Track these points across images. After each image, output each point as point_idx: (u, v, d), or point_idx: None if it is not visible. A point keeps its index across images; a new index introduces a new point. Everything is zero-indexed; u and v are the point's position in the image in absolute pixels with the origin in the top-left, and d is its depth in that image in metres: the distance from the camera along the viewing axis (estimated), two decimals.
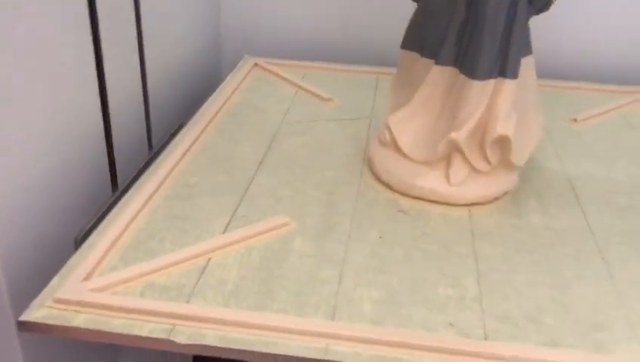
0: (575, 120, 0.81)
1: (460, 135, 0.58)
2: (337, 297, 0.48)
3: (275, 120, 0.78)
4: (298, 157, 0.69)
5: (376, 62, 0.97)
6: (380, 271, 0.51)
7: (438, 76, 0.60)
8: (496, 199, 0.62)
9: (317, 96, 0.85)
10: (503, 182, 0.62)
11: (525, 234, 0.57)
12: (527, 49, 0.62)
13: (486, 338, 0.44)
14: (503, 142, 0.59)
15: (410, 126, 0.63)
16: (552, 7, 0.60)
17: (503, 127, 0.57)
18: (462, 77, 0.58)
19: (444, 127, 0.60)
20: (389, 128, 0.64)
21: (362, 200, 0.61)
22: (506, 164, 0.61)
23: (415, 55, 0.63)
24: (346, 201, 0.61)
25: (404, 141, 0.63)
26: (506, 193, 0.63)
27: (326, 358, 0.42)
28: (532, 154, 0.67)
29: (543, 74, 0.95)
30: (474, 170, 0.60)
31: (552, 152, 0.73)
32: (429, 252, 0.54)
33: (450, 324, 0.45)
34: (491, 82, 0.57)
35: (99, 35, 0.59)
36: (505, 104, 0.58)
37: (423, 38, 0.62)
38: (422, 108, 0.62)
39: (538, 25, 0.64)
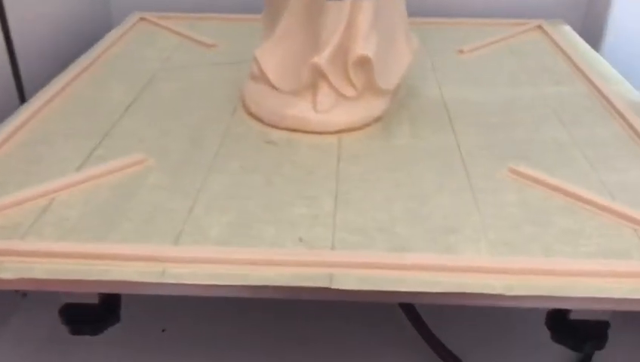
0: (461, 51, 0.81)
1: (322, 59, 0.56)
2: (185, 225, 0.46)
3: (151, 67, 0.75)
4: (170, 100, 0.67)
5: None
6: (235, 198, 0.49)
7: (299, 3, 0.58)
8: (367, 125, 0.61)
9: (201, 43, 0.83)
10: (372, 107, 0.60)
11: (391, 154, 0.56)
12: None
13: (332, 248, 0.43)
14: (365, 64, 0.57)
15: (276, 56, 0.61)
16: None
17: (363, 47, 0.56)
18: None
19: (309, 54, 0.58)
20: (256, 60, 0.62)
21: (230, 135, 0.59)
22: (373, 88, 0.60)
23: None
24: (212, 137, 0.59)
25: (272, 72, 0.61)
26: (378, 119, 0.62)
27: (163, 281, 0.40)
28: (405, 80, 0.67)
29: (431, 12, 0.97)
30: (341, 96, 0.59)
31: (433, 81, 0.72)
32: (291, 177, 0.52)
33: (300, 239, 0.44)
34: (348, 1, 0.56)
35: None
36: (364, 23, 0.56)
37: None
38: (286, 37, 0.60)
39: None
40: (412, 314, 0.58)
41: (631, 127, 0.59)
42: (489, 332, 0.63)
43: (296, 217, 0.47)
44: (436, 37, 0.86)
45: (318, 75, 0.58)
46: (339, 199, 0.49)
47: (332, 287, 0.39)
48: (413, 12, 0.96)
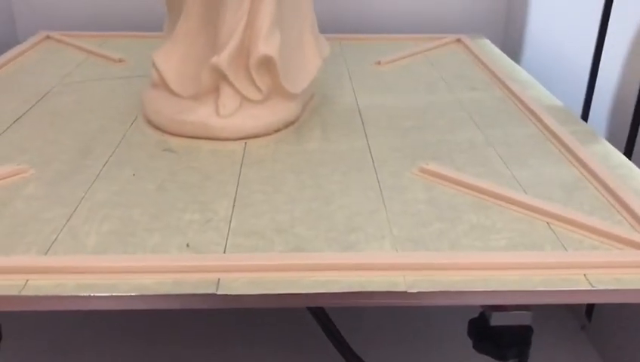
0: (379, 62, 0.79)
1: (221, 59, 0.53)
2: (60, 234, 0.41)
3: (48, 82, 0.69)
4: (64, 113, 0.61)
5: None
6: (120, 206, 0.44)
7: (196, 1, 0.55)
8: (277, 130, 0.57)
9: (107, 58, 0.78)
10: (281, 111, 0.57)
11: (299, 158, 0.53)
12: None
13: (224, 252, 0.39)
14: (268, 64, 0.54)
15: (175, 60, 0.57)
16: None
17: (266, 45, 0.53)
18: None
19: (209, 56, 0.55)
20: (154, 65, 0.58)
21: (126, 145, 0.55)
22: (280, 91, 0.56)
23: None
24: (104, 147, 0.54)
25: (171, 76, 0.57)
26: (289, 124, 0.59)
27: (22, 294, 0.35)
28: (317, 86, 0.64)
29: (354, 29, 0.96)
30: (246, 100, 0.56)
31: (349, 89, 0.70)
32: (187, 183, 0.48)
33: (187, 245, 0.40)
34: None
35: None
36: (265, 22, 0.53)
37: None
38: (185, 39, 0.56)
39: None
40: (322, 319, 0.54)
41: (545, 127, 0.58)
42: (412, 346, 0.61)
43: (186, 223, 0.42)
44: (356, 51, 0.85)
45: (219, 77, 0.54)
46: (237, 203, 0.45)
47: (218, 293, 0.35)
48: (335, 28, 0.96)
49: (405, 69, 0.78)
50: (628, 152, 0.63)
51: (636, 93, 0.61)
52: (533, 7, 0.90)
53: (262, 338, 0.60)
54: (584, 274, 0.37)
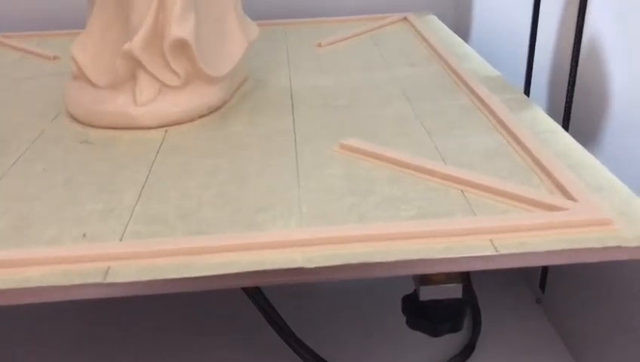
0: (319, 45, 0.78)
1: (134, 45, 0.51)
2: None
3: None
4: None
5: None
6: (22, 200, 0.43)
7: None
8: (200, 116, 0.56)
9: (42, 56, 0.76)
10: (203, 96, 0.55)
11: (220, 143, 0.51)
12: None
13: (121, 240, 0.37)
14: (184, 48, 0.52)
15: (91, 49, 0.55)
16: None
17: (179, 27, 0.51)
18: None
19: (125, 43, 0.53)
20: (72, 57, 0.56)
21: (43, 140, 0.53)
22: (200, 76, 0.55)
23: None
24: (19, 143, 0.52)
25: (88, 66, 0.55)
26: (214, 109, 0.57)
27: None
28: (245, 70, 0.63)
29: (300, 13, 0.94)
30: (165, 86, 0.54)
31: (285, 73, 0.68)
32: (97, 174, 0.46)
33: (84, 235, 0.38)
34: None
35: None
36: (177, 2, 0.51)
37: None
38: (100, 27, 0.55)
39: None
40: (258, 300, 0.53)
41: (477, 97, 0.57)
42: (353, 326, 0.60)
43: (87, 214, 0.41)
44: (300, 35, 0.83)
45: (134, 63, 0.53)
46: (145, 191, 0.43)
47: (105, 282, 0.34)
48: (281, 14, 0.95)
49: (346, 49, 0.76)
50: (566, 120, 0.62)
51: (569, 58, 0.60)
52: None
53: (202, 325, 0.59)
54: (490, 240, 0.35)
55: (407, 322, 0.46)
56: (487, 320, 0.62)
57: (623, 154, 0.53)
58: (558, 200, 0.38)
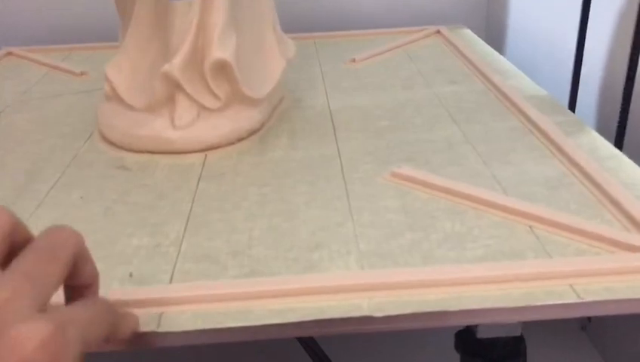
0: (354, 60, 0.75)
1: (174, 66, 0.49)
2: None
3: (4, 101, 0.66)
4: (16, 133, 0.58)
5: None
6: None
7: (145, 6, 0.51)
8: (239, 139, 0.54)
9: (69, 72, 0.74)
10: (243, 119, 0.53)
11: (263, 169, 0.49)
12: None
13: (171, 282, 0.35)
14: (225, 69, 0.50)
15: (127, 70, 0.53)
16: None
17: (220, 49, 0.49)
18: (165, 0, 0.50)
19: (162, 64, 0.51)
20: (107, 77, 0.54)
21: (77, 164, 0.51)
22: (241, 98, 0.53)
23: None
24: (54, 168, 0.50)
25: (124, 88, 0.53)
26: (253, 132, 0.55)
27: None
28: (284, 90, 0.61)
29: (328, 26, 0.92)
30: (204, 108, 0.52)
31: (321, 91, 0.66)
32: (138, 204, 0.44)
33: (130, 275, 0.36)
34: (197, 1, 0.49)
35: None
36: (219, 23, 0.49)
37: None
38: (136, 48, 0.53)
39: None
40: (312, 348, 0.50)
41: (528, 119, 0.54)
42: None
43: (132, 250, 0.38)
44: (331, 49, 0.81)
45: (173, 85, 0.50)
46: (190, 224, 0.41)
47: (159, 331, 0.31)
48: (309, 27, 0.92)
49: (381, 65, 0.74)
50: (618, 142, 0.59)
51: (624, 77, 0.58)
52: None
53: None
54: (570, 285, 0.33)
55: (462, 360, 0.43)
56: (532, 346, 0.60)
57: None
58: (636, 238, 0.36)
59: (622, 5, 0.58)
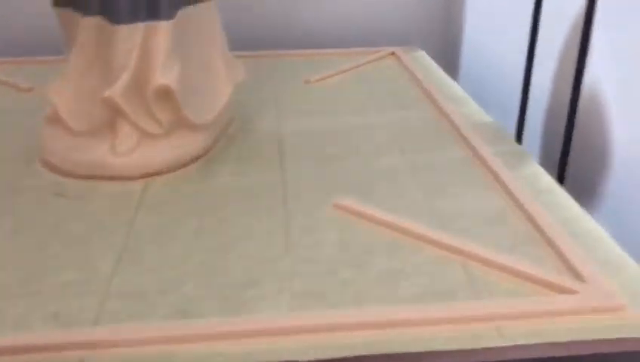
0: (308, 81, 0.75)
1: (115, 92, 0.48)
2: None
3: None
4: None
5: None
6: None
7: (88, 30, 0.50)
8: (183, 166, 0.53)
9: (15, 87, 0.73)
10: (186, 144, 0.52)
11: (204, 198, 0.48)
12: None
13: (96, 323, 0.34)
14: (168, 95, 0.50)
15: (70, 93, 0.52)
16: None
17: (163, 75, 0.48)
18: (108, 25, 0.49)
19: (104, 89, 0.50)
20: (49, 100, 0.53)
21: (13, 191, 0.49)
22: (184, 123, 0.52)
23: (69, 11, 0.53)
24: None
25: (66, 112, 0.52)
26: (197, 158, 0.54)
27: None
28: (232, 112, 0.60)
29: (283, 44, 0.92)
30: (146, 134, 0.51)
31: (272, 113, 0.66)
32: (72, 235, 0.43)
33: (55, 315, 0.35)
34: (140, 26, 0.49)
35: None
36: (162, 50, 0.49)
37: None
38: (79, 70, 0.51)
39: None
40: None
41: (472, 149, 0.55)
42: None
43: (60, 286, 0.37)
44: (285, 68, 0.81)
45: (114, 111, 0.49)
46: (123, 258, 0.40)
47: None
48: (263, 45, 0.92)
49: (335, 87, 0.74)
50: (561, 170, 0.60)
51: (568, 106, 0.59)
52: (469, 15, 0.87)
53: None
54: (496, 328, 0.33)
55: None
56: None
57: (622, 208, 0.51)
58: (566, 280, 0.36)
59: (567, 33, 0.60)
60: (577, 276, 0.37)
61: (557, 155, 0.61)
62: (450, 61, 0.93)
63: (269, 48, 0.88)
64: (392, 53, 0.85)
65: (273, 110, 0.67)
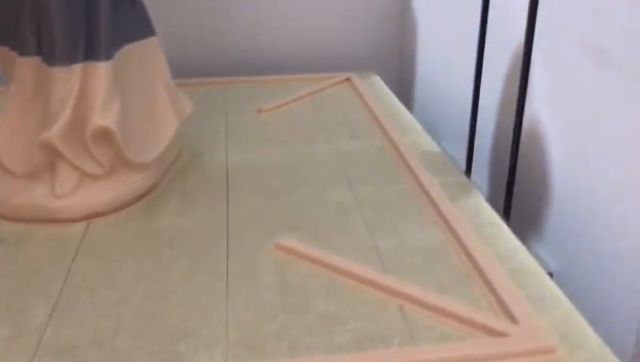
0: (260, 110, 0.75)
1: (52, 134, 0.47)
2: None
3: None
4: None
5: None
6: None
7: (25, 70, 0.50)
8: (127, 205, 0.52)
9: None
10: (128, 184, 0.52)
11: (144, 240, 0.48)
12: (141, 30, 0.54)
13: None
14: (108, 137, 0.49)
15: (8, 134, 0.51)
16: None
17: (103, 116, 0.48)
18: (45, 66, 0.48)
19: (43, 130, 0.50)
20: None
21: None
22: (126, 163, 0.51)
23: (6, 50, 0.52)
24: None
25: (5, 153, 0.51)
26: (141, 197, 0.53)
27: None
28: (177, 148, 0.60)
29: (240, 71, 0.92)
30: (87, 175, 0.50)
31: (222, 145, 0.65)
32: (5, 284, 0.42)
33: None
34: (78, 67, 0.48)
35: None
36: (101, 91, 0.48)
37: (3, 28, 0.51)
38: (17, 112, 0.51)
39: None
40: None
41: (418, 181, 0.55)
42: None
43: None
44: (239, 95, 0.80)
45: (53, 153, 0.49)
46: (57, 307, 0.40)
47: None
48: (215, 72, 0.92)
49: (287, 115, 0.74)
50: (507, 200, 0.61)
51: (511, 135, 0.60)
52: (421, 42, 0.88)
53: None
54: None
55: None
56: None
57: (563, 238, 0.52)
58: (499, 322, 0.37)
59: (510, 63, 0.61)
60: (511, 317, 0.37)
61: (504, 186, 0.62)
62: (406, 85, 0.94)
63: (222, 75, 0.88)
64: (348, 79, 0.86)
65: (223, 141, 0.66)
